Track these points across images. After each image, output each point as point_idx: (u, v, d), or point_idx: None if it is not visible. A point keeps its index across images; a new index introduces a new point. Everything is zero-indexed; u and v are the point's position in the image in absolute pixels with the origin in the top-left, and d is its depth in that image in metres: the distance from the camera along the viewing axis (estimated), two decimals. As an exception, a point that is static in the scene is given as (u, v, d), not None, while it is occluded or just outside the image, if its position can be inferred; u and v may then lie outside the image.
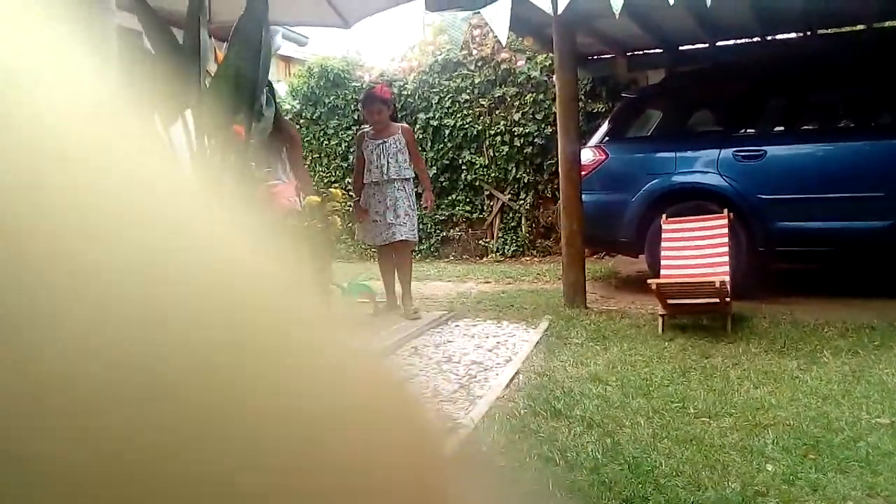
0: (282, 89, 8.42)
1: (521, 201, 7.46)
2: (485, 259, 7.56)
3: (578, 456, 2.34)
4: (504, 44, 4.69)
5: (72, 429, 0.12)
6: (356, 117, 8.01)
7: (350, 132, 8.03)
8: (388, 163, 4.45)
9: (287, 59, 8.65)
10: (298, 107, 8.24)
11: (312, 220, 2.77)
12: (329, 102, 8.07)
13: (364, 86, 7.99)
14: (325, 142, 8.15)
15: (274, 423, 0.14)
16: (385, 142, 4.47)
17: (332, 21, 5.20)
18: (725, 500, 1.99)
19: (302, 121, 8.21)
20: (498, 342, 3.98)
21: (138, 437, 0.12)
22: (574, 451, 2.38)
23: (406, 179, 4.53)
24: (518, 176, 7.41)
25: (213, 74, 1.76)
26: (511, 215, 7.57)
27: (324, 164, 8.23)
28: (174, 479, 0.12)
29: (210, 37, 2.04)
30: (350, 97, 8.01)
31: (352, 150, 8.05)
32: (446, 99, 7.55)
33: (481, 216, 7.68)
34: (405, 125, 4.73)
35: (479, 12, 4.11)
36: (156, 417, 0.13)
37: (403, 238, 4.50)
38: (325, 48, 8.34)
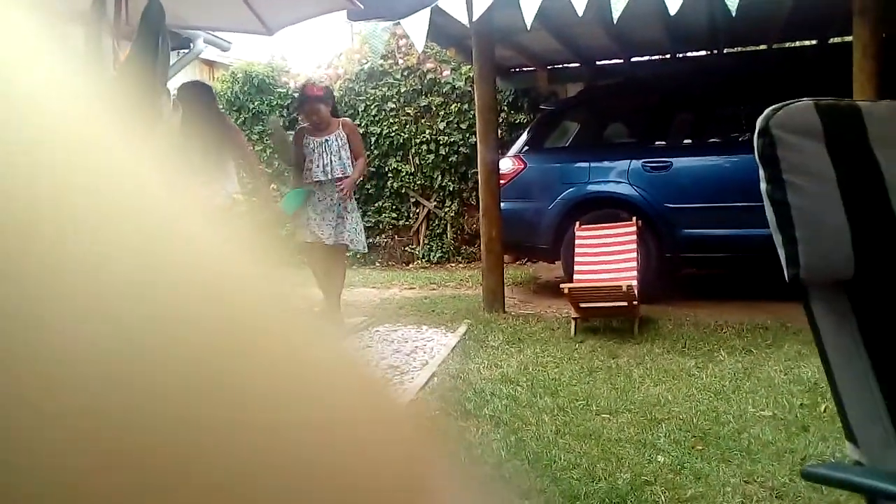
0: (205, 93, 8.28)
1: (447, 209, 7.57)
2: (411, 265, 7.62)
3: (483, 453, 2.43)
4: (420, 51, 4.77)
5: (64, 430, 0.12)
6: (281, 123, 7.96)
7: (275, 138, 7.97)
8: (331, 161, 4.26)
9: (210, 64, 8.51)
10: (222, 112, 8.11)
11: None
12: (254, 108, 7.99)
13: (289, 92, 7.95)
14: (251, 148, 8.04)
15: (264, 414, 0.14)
16: (327, 140, 4.28)
17: (254, 28, 5.18)
18: (616, 490, 2.11)
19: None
20: (416, 346, 4.05)
21: (131, 435, 0.12)
22: (479, 448, 2.47)
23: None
24: (443, 184, 7.51)
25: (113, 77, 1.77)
26: (437, 222, 7.66)
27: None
28: (169, 476, 0.12)
29: (115, 39, 2.04)
30: (275, 103, 7.95)
31: (276, 156, 7.99)
32: (372, 107, 7.60)
33: (407, 223, 7.75)
34: (346, 119, 4.53)
35: (399, 23, 4.19)
36: (143, 412, 0.13)
37: (341, 242, 4.31)
38: (250, 53, 8.24)
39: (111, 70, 1.78)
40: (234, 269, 0.16)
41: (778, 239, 0.98)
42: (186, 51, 5.89)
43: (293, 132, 4.86)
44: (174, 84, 4.89)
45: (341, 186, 4.29)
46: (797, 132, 0.92)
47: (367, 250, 4.90)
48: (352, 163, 4.34)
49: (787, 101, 0.96)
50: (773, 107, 0.95)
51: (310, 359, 0.16)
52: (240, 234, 0.17)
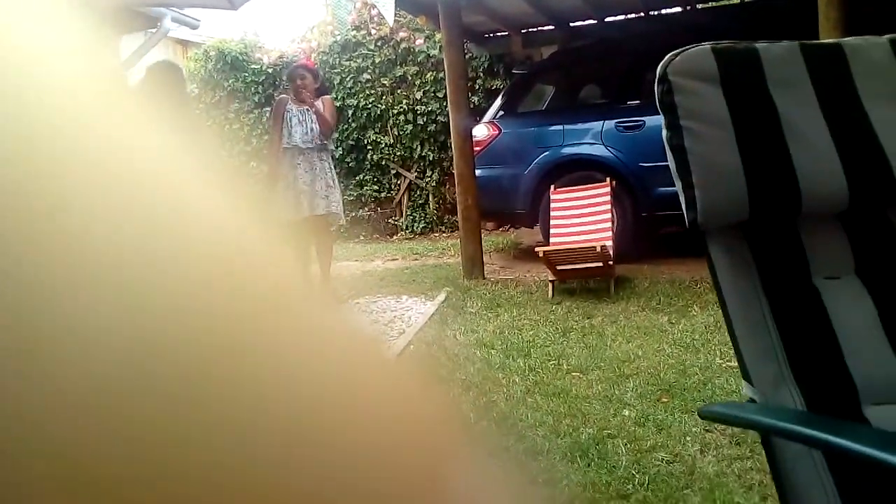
0: (178, 74, 8.19)
1: (428, 179, 7.55)
2: (395, 237, 7.63)
3: (451, 416, 2.46)
4: (391, 24, 4.73)
5: (70, 424, 0.12)
6: (257, 100, 7.90)
7: (252, 115, 7.91)
8: (311, 129, 4.35)
9: (183, 43, 8.42)
10: (196, 91, 8.04)
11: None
12: (228, 86, 7.91)
13: (263, 68, 7.87)
14: (227, 126, 8.00)
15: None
16: (309, 110, 4.37)
17: (218, 3, 5.12)
18: (579, 444, 2.15)
19: (201, 105, 8.03)
20: (395, 316, 4.08)
21: (137, 429, 0.12)
22: (448, 412, 2.50)
23: (329, 150, 4.49)
24: (423, 154, 7.49)
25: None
26: (419, 193, 7.66)
27: (226, 148, 8.09)
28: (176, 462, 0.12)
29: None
30: (250, 80, 7.88)
31: (255, 133, 7.95)
32: (348, 79, 7.53)
33: (389, 195, 7.74)
34: (327, 97, 4.58)
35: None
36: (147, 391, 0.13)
37: (332, 211, 4.40)
38: (222, 31, 8.15)
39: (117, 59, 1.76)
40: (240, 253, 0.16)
41: (678, 185, 0.99)
42: (154, 30, 5.81)
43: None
44: (144, 63, 4.84)
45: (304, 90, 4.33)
46: (694, 77, 0.93)
47: (342, 222, 5.00)
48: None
49: (686, 47, 0.96)
50: (672, 52, 0.95)
51: (322, 334, 0.16)
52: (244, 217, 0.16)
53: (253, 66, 7.88)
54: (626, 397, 2.54)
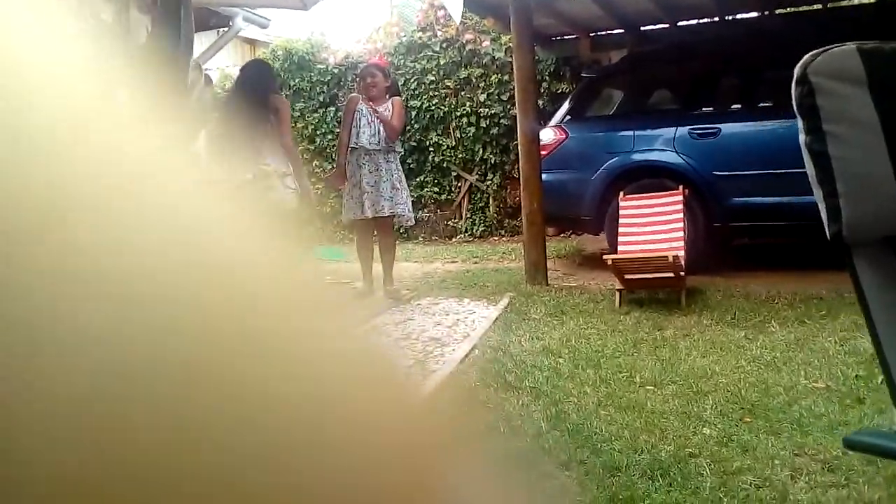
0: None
1: (489, 182, 7.50)
2: (454, 240, 7.60)
3: (523, 424, 2.40)
4: (457, 23, 4.70)
5: (80, 423, 0.12)
6: (321, 100, 7.99)
7: (317, 115, 8.00)
8: (378, 131, 4.36)
9: (252, 42, 8.58)
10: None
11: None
12: (294, 85, 8.02)
13: (329, 68, 7.96)
14: (292, 125, 8.10)
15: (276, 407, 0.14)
16: (377, 110, 4.37)
17: (290, 3, 5.19)
18: (659, 462, 2.06)
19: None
20: (458, 319, 4.04)
21: (145, 431, 0.12)
22: (519, 420, 2.45)
23: (396, 152, 4.50)
24: (485, 157, 7.44)
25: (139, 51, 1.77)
26: (479, 196, 7.61)
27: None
28: (182, 466, 0.12)
29: (146, 15, 2.05)
30: (315, 79, 7.97)
31: (319, 132, 8.05)
32: (412, 81, 7.54)
33: (449, 197, 7.72)
34: (396, 98, 4.55)
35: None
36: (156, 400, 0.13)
37: (398, 212, 4.42)
38: (290, 30, 8.26)
39: (140, 46, 1.79)
40: (243, 254, 0.16)
41: (818, 194, 0.92)
42: (226, 29, 5.93)
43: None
44: (215, 62, 4.93)
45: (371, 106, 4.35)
46: (838, 78, 0.86)
47: (411, 224, 5.01)
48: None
49: (827, 46, 0.89)
50: (813, 52, 0.88)
51: (327, 347, 0.16)
52: (251, 216, 0.16)
53: (319, 66, 7.97)
54: (706, 415, 2.43)
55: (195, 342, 0.13)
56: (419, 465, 0.16)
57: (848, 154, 0.86)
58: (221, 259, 0.15)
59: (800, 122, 0.89)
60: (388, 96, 4.47)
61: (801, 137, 0.90)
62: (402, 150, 7.60)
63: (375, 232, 4.53)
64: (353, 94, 4.64)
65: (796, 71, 0.88)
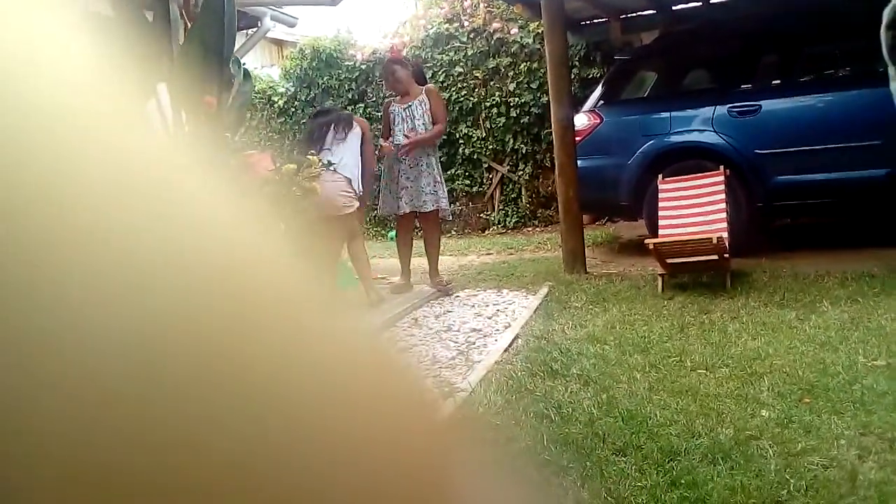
0: (275, 73, 8.40)
1: (521, 172, 7.43)
2: (487, 232, 7.55)
3: (574, 411, 2.35)
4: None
5: (80, 425, 0.12)
6: (350, 97, 7.99)
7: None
8: (414, 126, 4.28)
9: (279, 43, 8.62)
10: (293, 89, 8.22)
11: (291, 188, 2.75)
12: (323, 83, 8.04)
13: (357, 65, 7.95)
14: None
15: (278, 410, 0.14)
16: (410, 105, 4.31)
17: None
18: (718, 445, 2.00)
19: (297, 103, 8.20)
20: (498, 310, 3.99)
21: (146, 431, 0.12)
22: (570, 407, 2.40)
23: (434, 146, 4.44)
24: (516, 147, 7.37)
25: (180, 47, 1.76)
26: (511, 187, 7.55)
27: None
28: (186, 470, 0.12)
29: (182, 12, 2.04)
30: (343, 77, 7.98)
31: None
32: (440, 73, 7.50)
33: (481, 189, 7.67)
34: (430, 86, 4.47)
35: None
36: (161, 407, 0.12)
37: (442, 206, 4.36)
38: (316, 29, 8.28)
39: (178, 44, 1.78)
40: (254, 259, 0.15)
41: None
42: (255, 29, 5.95)
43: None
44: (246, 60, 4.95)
45: (404, 144, 4.24)
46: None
47: (451, 218, 4.99)
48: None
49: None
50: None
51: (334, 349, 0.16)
52: (266, 219, 0.16)
53: (346, 63, 7.97)
54: (763, 397, 2.36)
55: (198, 341, 0.13)
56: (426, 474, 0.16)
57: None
58: (230, 258, 0.15)
59: (891, 69, 0.83)
60: (418, 85, 4.42)
61: (893, 85, 0.84)
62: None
63: (419, 225, 4.53)
64: (387, 99, 4.68)
65: (886, 14, 0.82)
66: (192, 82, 1.74)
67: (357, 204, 4.11)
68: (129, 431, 0.12)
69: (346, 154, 4.07)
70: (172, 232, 0.14)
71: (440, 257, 6.00)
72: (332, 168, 3.84)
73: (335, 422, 0.14)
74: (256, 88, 7.75)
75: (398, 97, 4.41)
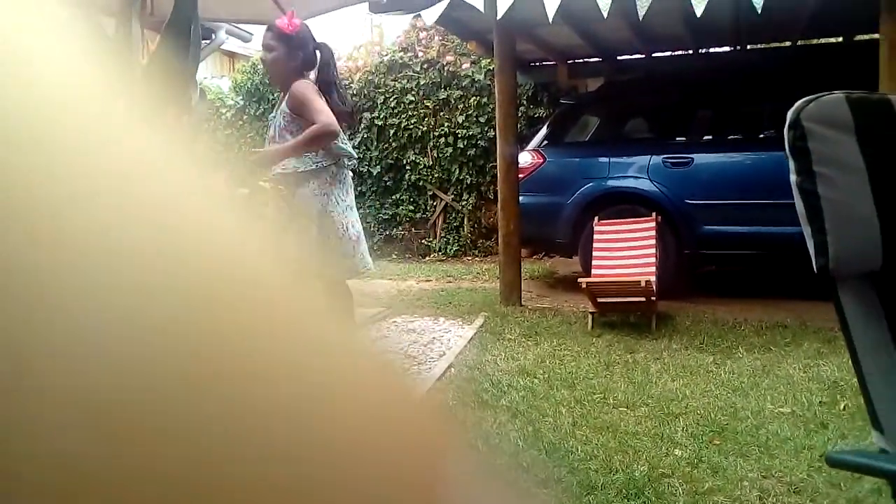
0: (225, 85, 8.34)
1: (464, 202, 7.58)
2: (427, 258, 7.64)
3: (501, 442, 2.45)
4: (429, 24, 4.67)
5: (75, 427, 0.12)
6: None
7: (295, 129, 8.00)
8: (275, 135, 2.79)
9: (231, 55, 8.58)
10: (242, 103, 8.18)
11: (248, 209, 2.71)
12: (273, 99, 8.00)
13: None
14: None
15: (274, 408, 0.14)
16: (280, 104, 2.81)
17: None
18: (633, 481, 2.12)
19: (245, 117, 8.15)
20: (433, 338, 4.07)
21: (139, 432, 0.12)
22: (497, 438, 2.49)
23: (303, 172, 2.71)
24: (461, 177, 7.52)
25: (143, 66, 1.79)
26: (454, 215, 7.68)
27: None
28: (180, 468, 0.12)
29: (143, 29, 2.07)
30: (295, 94, 7.98)
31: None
32: (391, 99, 7.61)
33: (424, 216, 7.77)
34: (305, 81, 2.70)
35: (419, 15, 4.21)
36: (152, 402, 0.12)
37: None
38: (271, 44, 8.28)
39: (140, 60, 1.81)
40: (248, 263, 0.16)
41: (807, 230, 0.99)
42: (208, 41, 5.93)
43: None
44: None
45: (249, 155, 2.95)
46: (828, 124, 0.93)
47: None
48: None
49: (818, 94, 0.96)
50: (805, 99, 0.96)
51: (324, 348, 0.16)
52: (255, 226, 0.16)
53: (299, 81, 7.98)
54: (677, 437, 2.50)
55: (191, 342, 0.13)
56: (416, 467, 0.16)
57: (835, 195, 0.93)
58: (220, 259, 0.15)
59: (791, 163, 0.96)
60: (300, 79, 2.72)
61: (793, 177, 0.97)
62: (377, 167, 7.63)
63: None
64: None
65: (789, 115, 0.96)
66: (154, 102, 1.76)
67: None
68: (120, 430, 0.12)
69: None
70: (159, 225, 0.14)
71: (380, 281, 6.04)
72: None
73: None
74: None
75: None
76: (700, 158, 4.83)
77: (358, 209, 2.99)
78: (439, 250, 7.67)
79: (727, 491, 2.07)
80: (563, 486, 2.10)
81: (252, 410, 0.13)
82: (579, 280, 4.11)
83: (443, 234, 7.71)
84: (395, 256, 7.70)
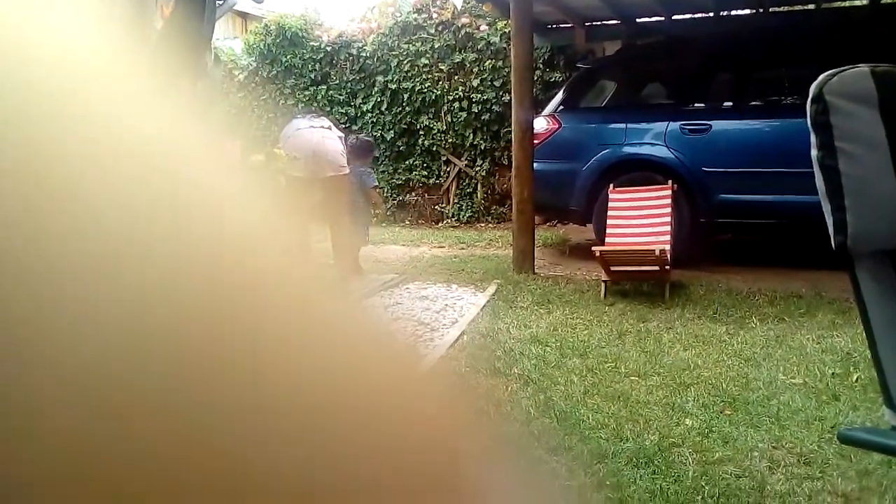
0: (237, 46, 8.27)
1: (478, 168, 7.53)
2: (440, 224, 7.64)
3: (512, 410, 2.47)
4: (460, 8, 4.67)
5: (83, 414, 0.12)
6: (313, 77, 7.94)
7: (308, 92, 7.95)
8: None
9: (244, 16, 8.49)
10: (255, 64, 8.12)
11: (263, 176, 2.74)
12: (286, 62, 7.96)
13: (322, 46, 7.89)
14: (283, 102, 8.06)
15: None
16: None
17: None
18: (643, 450, 2.14)
19: (258, 79, 8.10)
20: (446, 304, 4.09)
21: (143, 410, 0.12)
22: (508, 405, 2.51)
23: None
24: (475, 142, 7.46)
25: (158, 32, 1.78)
26: (467, 181, 7.64)
27: (280, 124, 8.16)
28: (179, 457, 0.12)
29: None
30: (307, 57, 7.92)
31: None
32: (405, 62, 7.52)
33: (438, 181, 7.74)
34: None
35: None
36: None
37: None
38: (284, 5, 8.19)
39: (155, 25, 1.79)
40: (256, 231, 0.16)
41: (826, 206, 0.97)
42: (221, 2, 5.88)
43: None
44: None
45: None
46: (851, 99, 0.91)
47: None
48: None
49: (842, 68, 0.94)
50: (828, 73, 0.93)
51: (331, 318, 0.16)
52: (265, 194, 0.16)
53: (312, 44, 7.91)
54: (688, 406, 2.51)
55: (201, 323, 0.13)
56: (429, 435, 0.16)
57: (856, 171, 0.91)
58: (231, 241, 0.15)
59: (813, 138, 0.94)
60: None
61: (814, 152, 0.95)
62: (390, 132, 7.58)
63: None
64: None
65: (812, 89, 0.93)
66: (168, 67, 1.75)
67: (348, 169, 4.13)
68: (114, 426, 0.12)
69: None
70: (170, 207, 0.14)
71: (393, 247, 6.06)
72: (327, 126, 3.77)
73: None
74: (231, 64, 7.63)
75: None
76: (718, 125, 4.75)
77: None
78: (452, 216, 7.65)
79: (737, 461, 2.09)
80: (574, 454, 2.12)
81: (267, 380, 0.13)
82: (593, 248, 4.09)
83: (456, 200, 7.69)
84: (407, 222, 7.71)
